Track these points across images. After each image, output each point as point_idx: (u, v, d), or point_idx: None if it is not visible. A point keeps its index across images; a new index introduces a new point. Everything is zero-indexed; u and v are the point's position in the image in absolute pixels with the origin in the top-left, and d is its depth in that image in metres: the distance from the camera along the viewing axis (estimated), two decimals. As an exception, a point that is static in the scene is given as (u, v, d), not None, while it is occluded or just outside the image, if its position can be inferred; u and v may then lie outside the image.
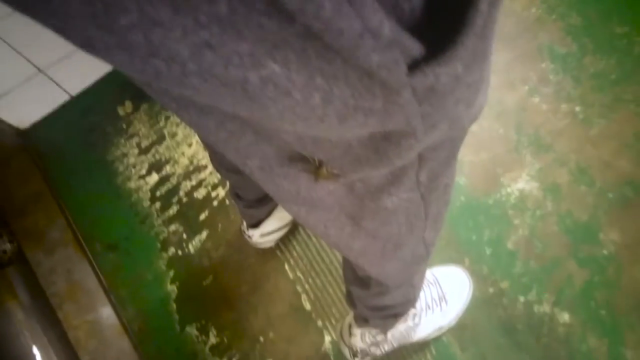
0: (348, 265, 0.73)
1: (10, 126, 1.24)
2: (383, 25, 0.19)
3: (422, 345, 1.00)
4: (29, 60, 1.24)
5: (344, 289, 1.04)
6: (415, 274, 0.71)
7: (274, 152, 0.36)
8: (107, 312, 1.11)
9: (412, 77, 0.23)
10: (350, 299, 0.81)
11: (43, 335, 1.09)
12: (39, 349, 1.07)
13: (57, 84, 1.25)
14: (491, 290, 1.03)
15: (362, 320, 0.85)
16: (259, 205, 0.96)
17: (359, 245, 0.49)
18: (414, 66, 0.23)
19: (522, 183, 1.11)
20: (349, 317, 0.92)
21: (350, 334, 0.90)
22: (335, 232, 0.46)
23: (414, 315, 0.89)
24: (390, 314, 0.82)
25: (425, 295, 0.94)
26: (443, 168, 0.40)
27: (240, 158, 0.37)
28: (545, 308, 1.01)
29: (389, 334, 0.89)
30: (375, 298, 0.74)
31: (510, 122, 1.16)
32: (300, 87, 0.23)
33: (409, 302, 0.82)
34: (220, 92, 0.23)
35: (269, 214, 1.02)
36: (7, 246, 1.16)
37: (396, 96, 0.24)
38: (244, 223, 1.04)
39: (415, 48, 0.22)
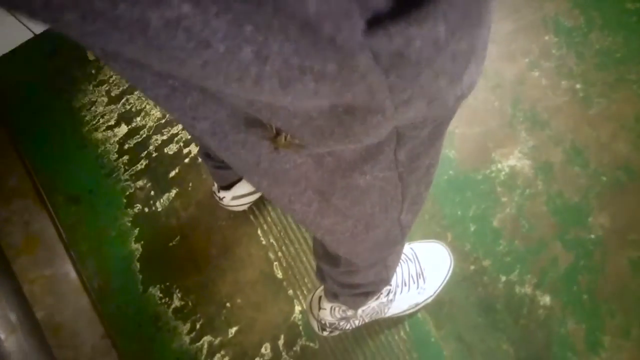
0: (317, 240, 0.65)
1: (-32, 63, 1.12)
2: None
3: (396, 321, 0.94)
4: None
5: (313, 253, 0.97)
6: (390, 255, 0.65)
7: (226, 114, 0.30)
8: (66, 268, 1.02)
9: (371, 38, 0.19)
10: (320, 274, 0.74)
11: (-3, 288, 1.01)
12: (-8, 302, 0.99)
13: (19, 20, 1.12)
14: (472, 268, 0.98)
15: (332, 296, 0.78)
16: (229, 166, 0.87)
17: (327, 223, 0.44)
18: (376, 23, 0.18)
19: (513, 160, 1.04)
20: (319, 290, 0.85)
21: (320, 308, 0.83)
22: (301, 208, 0.41)
23: (388, 291, 0.83)
24: (361, 292, 0.75)
25: (402, 271, 0.88)
26: (426, 148, 0.35)
27: (187, 120, 0.31)
28: (527, 289, 0.96)
29: (360, 310, 0.82)
30: (345, 276, 0.68)
31: (506, 95, 1.08)
32: (223, 37, 0.18)
33: (382, 281, 0.75)
34: (114, 37, 0.18)
35: (241, 177, 0.94)
36: (-38, 192, 1.06)
37: (351, 60, 0.20)
38: (216, 184, 0.95)
39: None
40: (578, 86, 1.06)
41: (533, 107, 1.06)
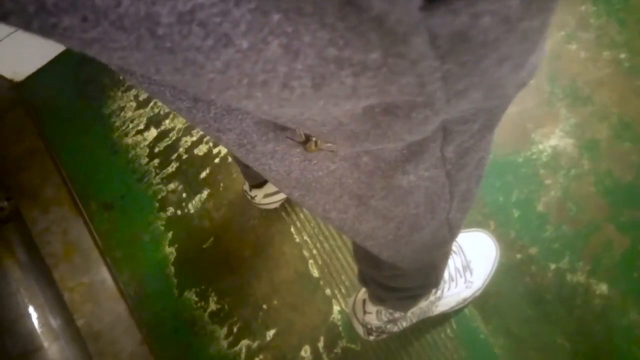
0: (358, 243, 0.57)
1: (4, 79, 1.10)
2: None
3: (442, 318, 0.84)
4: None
5: (353, 256, 0.88)
6: (438, 257, 0.56)
7: (253, 122, 0.26)
8: (102, 275, 0.97)
9: (430, 15, 0.14)
10: (363, 278, 0.65)
11: (40, 296, 0.97)
12: (35, 309, 0.95)
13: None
14: (518, 256, 0.87)
15: (377, 299, 0.69)
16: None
17: (367, 228, 0.39)
18: None
19: (555, 139, 0.93)
20: (362, 293, 0.76)
21: (365, 312, 0.75)
22: (337, 215, 0.36)
23: (436, 289, 0.73)
24: (409, 296, 0.66)
25: (449, 266, 0.78)
26: (476, 141, 0.30)
27: (212, 132, 0.28)
28: (580, 277, 0.85)
29: (409, 312, 0.73)
30: (390, 280, 0.59)
31: (542, 71, 0.97)
32: (246, 29, 0.14)
33: (431, 284, 0.66)
34: (121, 42, 0.14)
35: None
36: (4, 203, 1.04)
37: (402, 45, 0.15)
38: (247, 183, 0.89)
39: None
40: (622, 56, 0.94)
41: (573, 82, 0.95)
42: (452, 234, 0.47)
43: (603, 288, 0.84)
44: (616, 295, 0.83)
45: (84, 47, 0.16)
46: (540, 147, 0.93)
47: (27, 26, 0.14)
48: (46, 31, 0.14)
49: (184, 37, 0.14)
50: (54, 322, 0.96)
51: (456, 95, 0.20)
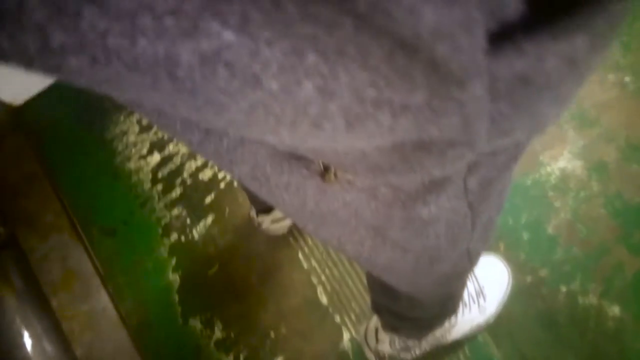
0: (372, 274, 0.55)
1: (2, 103, 1.07)
2: None
3: (455, 345, 0.82)
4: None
5: (365, 281, 0.86)
6: (456, 286, 0.54)
7: (267, 153, 0.25)
8: (103, 303, 0.94)
9: (495, 59, 0.13)
10: (376, 307, 0.63)
11: (36, 325, 0.93)
12: (31, 338, 0.92)
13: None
14: (529, 279, 0.86)
15: (391, 329, 0.67)
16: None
17: (384, 260, 0.37)
18: (503, 37, 0.12)
19: (563, 161, 0.92)
20: (375, 321, 0.74)
21: (377, 340, 0.72)
22: (353, 247, 0.35)
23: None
24: (424, 325, 0.64)
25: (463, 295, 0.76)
26: (499, 172, 0.29)
27: (224, 164, 0.26)
28: (592, 300, 0.84)
29: (423, 340, 0.71)
30: (407, 310, 0.57)
31: (548, 94, 0.97)
32: (277, 71, 0.12)
33: (448, 313, 0.64)
34: (134, 82, 0.13)
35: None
36: (0, 229, 1.00)
37: (457, 89, 0.13)
38: (253, 209, 0.86)
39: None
40: (627, 79, 0.94)
41: (580, 105, 0.95)
42: (471, 264, 0.45)
43: (615, 310, 0.83)
44: (629, 317, 0.81)
45: (92, 86, 0.14)
46: (549, 169, 0.92)
47: (27, 66, 0.12)
48: (49, 71, 0.13)
49: (206, 79, 0.13)
50: (51, 352, 0.92)
51: (500, 135, 0.18)
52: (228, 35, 0.12)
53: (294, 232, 0.92)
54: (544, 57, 0.14)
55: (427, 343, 0.75)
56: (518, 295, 0.85)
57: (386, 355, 0.73)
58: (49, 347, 0.92)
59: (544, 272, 0.86)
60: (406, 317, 0.61)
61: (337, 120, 0.15)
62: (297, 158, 0.25)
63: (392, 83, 0.14)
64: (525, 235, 0.89)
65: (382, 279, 0.43)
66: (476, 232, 0.37)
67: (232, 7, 0.11)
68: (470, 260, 0.43)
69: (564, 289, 0.85)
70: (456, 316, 0.72)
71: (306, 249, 0.91)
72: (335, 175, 0.25)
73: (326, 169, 0.25)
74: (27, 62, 0.12)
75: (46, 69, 0.13)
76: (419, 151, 0.19)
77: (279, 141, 0.18)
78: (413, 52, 0.12)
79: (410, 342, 0.72)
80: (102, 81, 0.13)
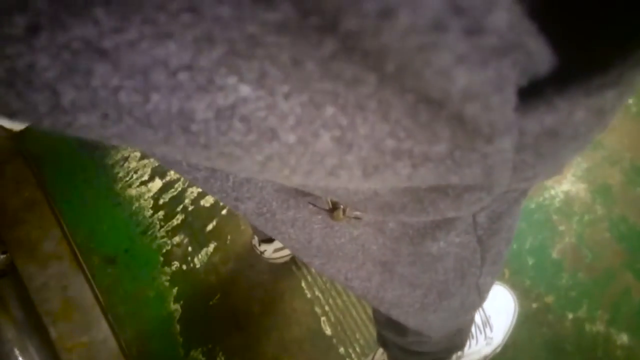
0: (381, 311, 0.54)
1: (3, 129, 1.07)
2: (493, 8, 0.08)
3: (462, 377, 0.80)
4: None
5: (370, 312, 0.84)
6: (465, 322, 0.52)
7: (273, 189, 0.25)
8: (104, 333, 0.92)
9: (525, 115, 0.12)
10: (382, 341, 0.62)
11: (35, 356, 0.91)
12: (31, 371, 0.89)
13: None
14: (535, 305, 0.84)
15: None
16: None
17: (392, 296, 0.36)
18: (534, 93, 0.12)
19: (567, 184, 0.91)
20: (380, 354, 0.72)
21: (383, 373, 0.71)
22: (361, 284, 0.34)
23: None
24: (432, 359, 0.63)
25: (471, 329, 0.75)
26: (510, 206, 0.28)
27: (230, 201, 0.26)
28: (599, 327, 0.82)
29: None
30: (414, 345, 0.56)
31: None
32: (295, 124, 0.12)
33: (456, 347, 0.63)
34: (146, 137, 0.12)
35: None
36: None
37: (483, 143, 0.13)
38: (256, 237, 0.85)
39: (543, 55, 0.11)
40: (630, 101, 0.94)
41: (581, 128, 0.94)
42: (481, 298, 0.44)
43: (624, 338, 0.81)
44: (638, 345, 0.80)
45: (102, 140, 0.14)
46: (553, 192, 0.91)
47: (37, 124, 0.12)
48: (59, 128, 0.12)
49: (222, 134, 0.12)
50: (51, 384, 0.90)
51: (521, 181, 0.18)
52: (245, 90, 0.11)
53: (297, 260, 0.91)
54: (574, 111, 0.14)
55: (434, 377, 0.73)
56: (524, 322, 0.83)
57: (392, 391, 0.71)
58: (47, 379, 0.90)
59: (549, 299, 0.85)
60: (414, 351, 0.59)
61: (355, 171, 0.15)
62: (304, 194, 0.25)
63: (414, 135, 0.13)
64: (530, 261, 0.87)
65: (390, 316, 0.42)
66: (485, 267, 0.36)
67: (250, 63, 0.10)
68: (480, 295, 0.43)
69: (570, 315, 0.83)
70: (463, 350, 0.71)
71: (309, 278, 0.90)
72: (344, 212, 0.24)
73: (335, 206, 0.24)
74: (37, 120, 0.12)
75: (56, 127, 0.12)
76: (435, 193, 0.19)
77: (290, 182, 0.17)
78: (439, 108, 0.12)
79: None
80: (113, 136, 0.13)
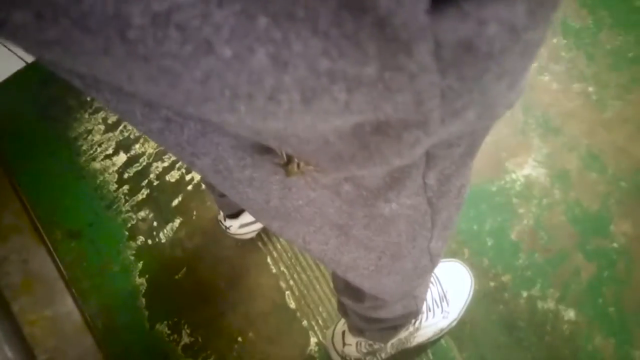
0: (337, 274, 0.56)
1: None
2: None
3: (419, 349, 0.83)
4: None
5: (333, 287, 0.86)
6: (418, 286, 0.55)
7: (229, 145, 0.24)
8: (67, 307, 0.91)
9: (437, 20, 0.13)
10: (343, 309, 0.64)
11: (-3, 331, 0.90)
12: (-7, 345, 0.88)
13: (10, 50, 1.02)
14: (492, 284, 0.88)
15: (357, 331, 0.68)
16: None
17: (348, 259, 0.38)
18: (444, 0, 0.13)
19: (528, 169, 0.94)
20: (341, 324, 0.74)
21: (344, 343, 0.73)
22: (318, 247, 0.35)
23: (415, 320, 0.73)
24: (389, 326, 0.65)
25: (426, 296, 0.78)
26: (457, 168, 0.29)
27: (186, 156, 0.25)
28: (550, 304, 0.86)
29: (389, 343, 0.72)
30: (371, 311, 0.58)
31: (517, 101, 0.98)
32: (229, 35, 0.13)
33: (412, 314, 0.65)
34: (85, 46, 0.12)
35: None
36: (-43, 232, 0.96)
37: (404, 56, 0.14)
38: (221, 213, 0.85)
39: None
40: (590, 89, 0.96)
41: (545, 113, 0.96)
42: (433, 263, 0.46)
43: (571, 314, 0.86)
44: (583, 321, 0.85)
45: (43, 50, 0.14)
46: (514, 176, 0.94)
47: None
48: None
49: (159, 43, 0.13)
50: (12, 359, 0.89)
51: (452, 115, 0.19)
52: None
53: (263, 236, 0.91)
54: (485, 21, 0.14)
55: (393, 347, 0.76)
56: (481, 300, 0.87)
57: (352, 359, 0.74)
58: (9, 353, 0.89)
59: (506, 278, 0.88)
60: (372, 318, 0.61)
61: (293, 94, 0.15)
62: (260, 152, 0.25)
63: (345, 52, 0.14)
64: (490, 241, 0.90)
65: (346, 278, 0.44)
66: (436, 230, 0.38)
67: None
68: (431, 260, 0.45)
69: (524, 294, 0.87)
70: (420, 321, 0.74)
71: (275, 254, 0.91)
72: (298, 166, 0.24)
73: (289, 160, 0.24)
74: None
75: None
76: (377, 135, 0.20)
77: (239, 121, 0.17)
78: (358, 11, 0.12)
79: (376, 346, 0.73)
80: (52, 43, 0.13)
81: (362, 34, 0.13)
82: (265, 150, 0.25)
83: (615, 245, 0.88)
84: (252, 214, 0.32)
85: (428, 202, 0.32)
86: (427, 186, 0.30)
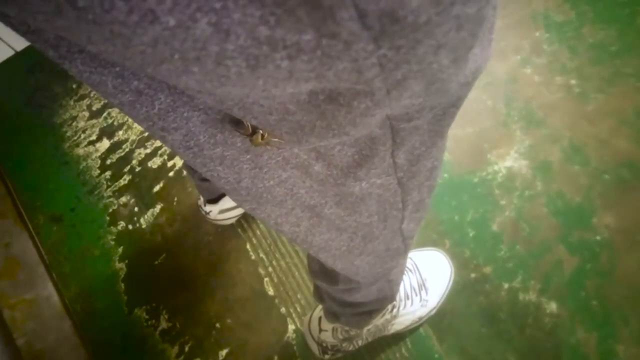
0: (312, 256, 0.56)
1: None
2: None
3: (397, 338, 0.82)
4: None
5: (308, 270, 0.86)
6: (392, 269, 0.55)
7: (199, 120, 0.25)
8: (47, 291, 0.91)
9: None
10: (318, 294, 0.64)
11: (-23, 314, 0.90)
12: (-28, 329, 0.88)
13: (0, 38, 1.04)
14: (473, 275, 0.87)
15: (333, 316, 0.67)
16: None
17: (321, 240, 0.38)
18: None
19: (510, 160, 0.94)
20: (318, 310, 0.74)
21: (320, 329, 0.72)
22: (290, 229, 0.36)
23: (392, 307, 0.72)
24: (364, 311, 0.65)
25: (404, 284, 0.77)
26: (427, 148, 0.30)
27: (157, 131, 0.26)
28: (531, 296, 0.86)
29: (365, 330, 0.71)
30: (345, 294, 0.57)
31: (499, 94, 0.98)
32: (172, 5, 0.13)
33: (386, 298, 0.65)
34: (37, 4, 0.14)
35: (229, 188, 0.83)
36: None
37: (332, 23, 0.15)
38: (202, 198, 0.85)
39: None
40: (573, 82, 0.96)
41: (527, 105, 0.97)
42: (405, 245, 0.46)
43: (553, 307, 0.85)
44: (565, 313, 0.84)
45: (2, 6, 0.15)
46: (496, 167, 0.93)
47: None
48: None
49: (106, 11, 0.14)
50: (-7, 341, 0.89)
51: (395, 86, 0.19)
52: None
53: (243, 222, 0.91)
54: None
55: (370, 333, 0.75)
56: (462, 291, 0.86)
57: (329, 345, 0.73)
58: (-11, 336, 0.89)
59: (487, 269, 0.88)
60: (346, 302, 0.61)
61: (238, 61, 0.16)
62: (229, 130, 0.25)
63: (281, 20, 0.14)
64: (471, 232, 0.90)
65: (319, 259, 0.44)
66: (407, 211, 0.38)
67: None
68: (404, 241, 0.45)
69: (506, 285, 0.86)
70: (398, 308, 0.73)
71: (254, 240, 0.91)
72: (262, 137, 0.25)
73: (254, 130, 0.25)
74: None
75: None
76: (331, 103, 0.20)
77: (198, 84, 0.18)
78: None
79: (353, 332, 0.72)
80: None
81: (292, 1, 0.14)
82: (234, 124, 0.25)
83: (598, 238, 0.87)
84: (226, 192, 0.33)
85: (398, 182, 0.32)
86: (397, 165, 0.30)
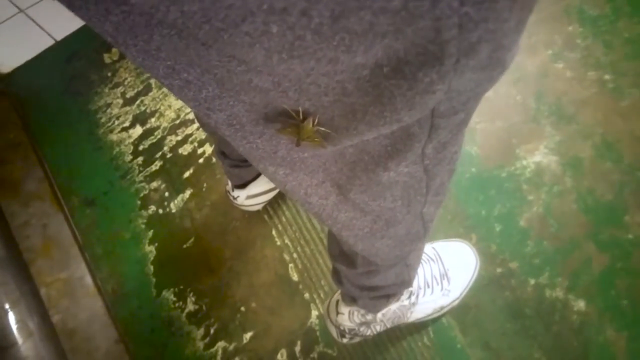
0: (333, 239, 0.58)
1: (-10, 70, 1.08)
2: None
3: (419, 327, 0.83)
4: (10, 1, 1.08)
5: (328, 254, 0.87)
6: (411, 253, 0.56)
7: (244, 109, 0.26)
8: (81, 271, 0.95)
9: None
10: (337, 277, 0.65)
11: (16, 291, 0.94)
12: (11, 305, 0.93)
13: (41, 27, 1.08)
14: (499, 270, 0.87)
15: (350, 299, 0.69)
16: (246, 164, 0.79)
17: (345, 218, 0.39)
18: None
19: (539, 156, 0.93)
20: (337, 295, 0.75)
21: (338, 312, 0.73)
22: (318, 201, 0.37)
23: (410, 294, 0.73)
24: (381, 295, 0.65)
25: (425, 272, 0.78)
26: (453, 136, 0.31)
27: (202, 110, 0.27)
28: (558, 293, 0.85)
29: (380, 314, 0.72)
30: (364, 277, 0.59)
31: (529, 89, 0.97)
32: None
33: (403, 283, 0.65)
34: None
35: (257, 175, 0.85)
36: (-17, 196, 1.01)
37: None
38: (230, 183, 0.87)
39: None
40: (607, 77, 0.95)
41: (558, 101, 0.95)
42: (425, 229, 0.47)
43: (581, 305, 0.84)
44: (593, 312, 0.82)
45: None
46: (524, 162, 0.93)
47: None
48: None
49: None
50: (29, 319, 0.93)
51: (467, 52, 0.19)
52: None
53: (269, 209, 0.93)
54: None
55: (388, 319, 0.75)
56: (487, 285, 0.86)
57: (347, 329, 0.74)
58: (28, 314, 0.93)
59: (514, 264, 0.87)
60: (364, 286, 0.62)
61: (323, 11, 0.16)
62: (273, 115, 0.26)
63: None
64: (498, 227, 0.90)
65: (341, 238, 0.45)
66: (429, 196, 0.39)
67: None
68: (424, 225, 0.45)
69: (532, 281, 0.86)
70: (417, 296, 0.74)
71: (280, 227, 0.93)
72: (313, 123, 0.25)
73: (305, 116, 0.25)
74: None
75: None
76: (393, 78, 0.21)
77: (267, 56, 0.19)
78: None
79: (369, 316, 0.73)
80: None
81: None
82: (278, 113, 0.26)
83: (630, 236, 0.86)
84: (258, 164, 0.34)
85: (424, 169, 0.33)
86: (425, 155, 0.31)
